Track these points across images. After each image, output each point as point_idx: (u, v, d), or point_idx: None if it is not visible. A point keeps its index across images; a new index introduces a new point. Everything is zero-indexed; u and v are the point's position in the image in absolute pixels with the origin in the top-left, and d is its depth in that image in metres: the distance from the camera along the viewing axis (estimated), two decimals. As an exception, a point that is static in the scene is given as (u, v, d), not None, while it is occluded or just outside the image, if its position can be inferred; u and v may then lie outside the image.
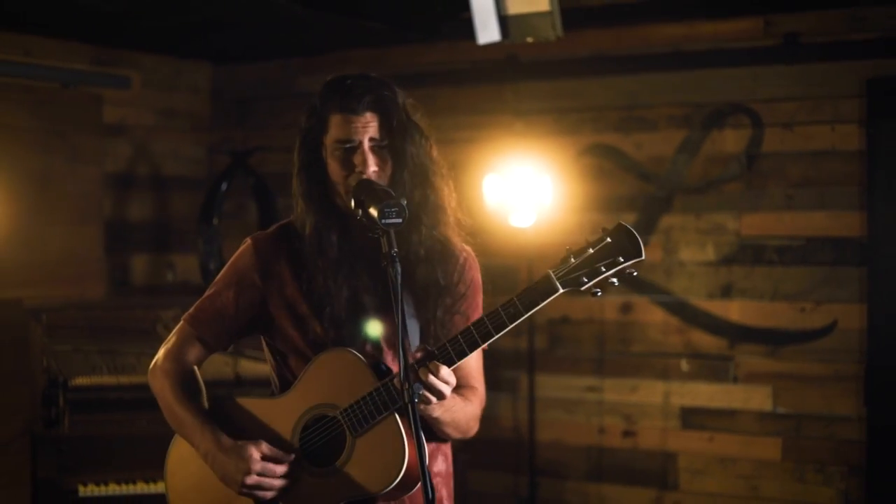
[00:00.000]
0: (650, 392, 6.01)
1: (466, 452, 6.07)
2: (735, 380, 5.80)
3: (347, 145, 2.86)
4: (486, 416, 6.19)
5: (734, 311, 5.82)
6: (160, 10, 5.73)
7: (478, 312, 3.04)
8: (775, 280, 5.71)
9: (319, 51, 6.85)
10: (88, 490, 5.28)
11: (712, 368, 5.86)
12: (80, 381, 5.53)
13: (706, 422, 5.88)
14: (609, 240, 2.74)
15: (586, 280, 2.74)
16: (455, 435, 3.00)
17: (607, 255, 2.73)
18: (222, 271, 3.08)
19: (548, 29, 4.92)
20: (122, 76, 6.84)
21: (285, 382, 3.01)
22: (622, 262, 2.72)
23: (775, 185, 5.71)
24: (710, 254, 5.86)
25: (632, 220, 5.99)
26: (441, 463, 3.03)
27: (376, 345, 2.93)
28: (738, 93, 5.79)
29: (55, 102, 6.49)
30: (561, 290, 2.76)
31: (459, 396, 2.94)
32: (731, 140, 5.81)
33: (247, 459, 2.84)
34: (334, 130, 2.88)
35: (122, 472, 5.32)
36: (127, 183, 6.97)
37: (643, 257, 2.74)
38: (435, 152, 3.00)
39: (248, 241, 3.06)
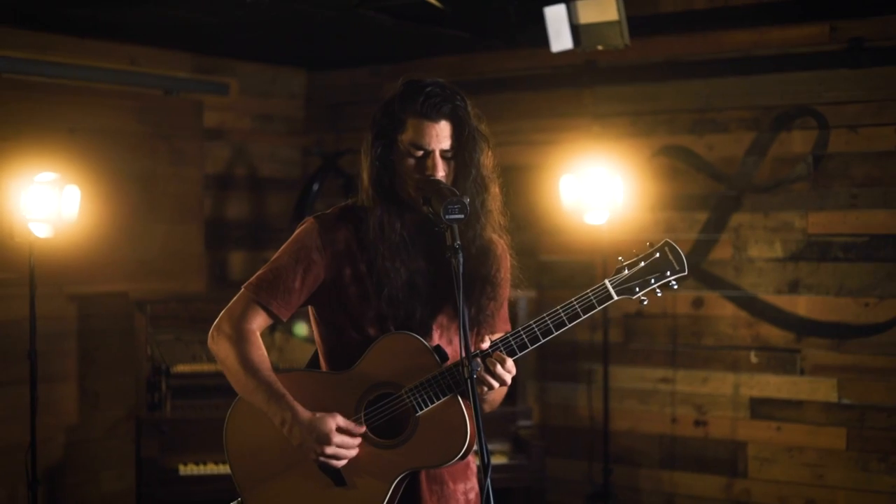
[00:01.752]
0: (721, 383, 6.22)
1: (544, 440, 6.33)
2: (802, 372, 5.98)
3: (421, 151, 3.11)
4: (564, 406, 6.47)
5: (801, 305, 6.00)
6: (257, 22, 6.06)
7: (505, 295, 3.34)
8: (840, 276, 5.88)
9: (407, 57, 7.13)
10: (188, 469, 5.60)
11: (780, 361, 6.05)
12: (181, 368, 5.87)
13: (774, 412, 6.07)
14: (658, 255, 3.10)
15: (638, 290, 3.11)
16: (486, 410, 3.24)
17: (656, 269, 3.11)
18: (284, 247, 3.23)
19: (617, 37, 5.19)
20: (221, 83, 7.16)
21: (336, 355, 3.24)
22: (668, 276, 3.12)
23: (840, 185, 5.88)
24: (777, 251, 6.05)
25: (703, 219, 6.23)
26: None
27: (426, 326, 3.19)
28: (804, 96, 5.96)
29: (158, 108, 6.80)
30: (616, 298, 3.11)
31: None
32: (798, 141, 5.99)
33: (326, 433, 3.05)
34: (411, 132, 3.11)
35: (219, 453, 5.56)
36: (226, 183, 7.30)
37: (686, 272, 3.09)
38: (492, 159, 3.24)
39: (311, 219, 3.25)
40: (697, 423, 6.29)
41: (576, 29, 5.30)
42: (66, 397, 6.36)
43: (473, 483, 3.36)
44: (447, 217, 2.96)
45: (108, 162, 6.49)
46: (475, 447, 3.11)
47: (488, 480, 2.89)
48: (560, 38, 5.32)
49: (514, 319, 6.14)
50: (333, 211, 3.29)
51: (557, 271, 6.61)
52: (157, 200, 6.81)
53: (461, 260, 2.95)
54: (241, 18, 5.91)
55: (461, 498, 3.28)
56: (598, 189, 5.98)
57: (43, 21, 6.04)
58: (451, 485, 3.27)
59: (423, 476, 3.21)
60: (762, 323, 6.10)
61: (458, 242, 2.96)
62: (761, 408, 6.11)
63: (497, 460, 5.93)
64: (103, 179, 6.39)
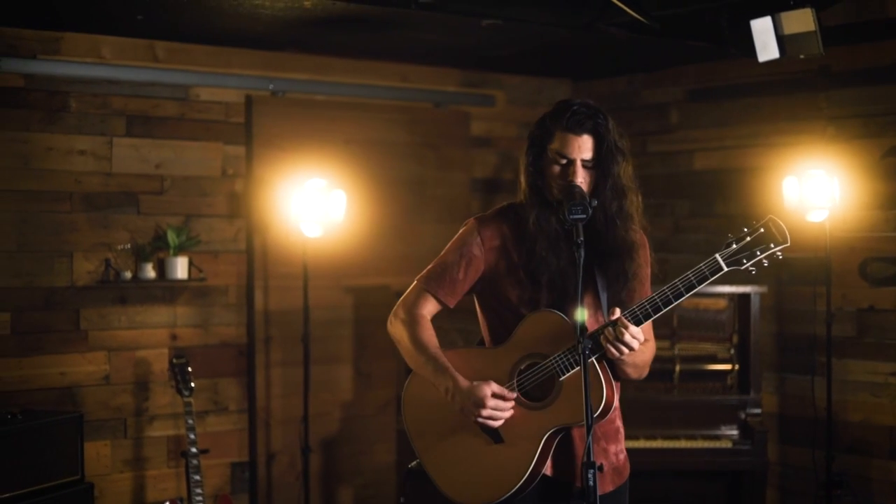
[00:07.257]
0: (948, 377, 6.35)
1: (782, 429, 6.58)
2: None
3: (564, 160, 3.62)
4: (800, 396, 6.70)
5: None
6: (509, 40, 6.67)
7: (646, 283, 3.78)
8: None
9: (659, 66, 7.61)
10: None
11: None
12: (439, 352, 6.53)
13: None
14: (762, 230, 3.45)
15: (745, 261, 3.45)
16: (633, 375, 3.71)
17: (761, 242, 3.44)
18: (449, 245, 3.74)
19: (814, 46, 5.49)
20: (487, 95, 7.79)
21: (497, 334, 3.74)
22: (772, 248, 3.44)
23: None
24: None
25: (929, 215, 6.41)
26: (617, 400, 3.75)
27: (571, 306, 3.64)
28: None
29: (428, 120, 7.51)
30: (725, 269, 3.47)
31: None
32: None
33: (482, 397, 3.57)
34: (557, 142, 3.61)
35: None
36: (493, 187, 7.91)
37: (789, 244, 3.43)
38: (631, 170, 3.70)
39: (472, 220, 3.75)
40: (925, 417, 6.44)
41: (781, 40, 5.62)
42: (342, 377, 7.19)
43: (622, 446, 3.84)
44: (571, 217, 3.48)
45: (379, 169, 7.27)
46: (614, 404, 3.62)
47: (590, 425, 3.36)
48: (767, 49, 5.66)
49: (746, 315, 6.52)
50: (492, 212, 3.82)
51: (794, 267, 6.86)
52: (425, 203, 7.51)
53: (582, 254, 3.44)
54: (491, 38, 6.48)
55: (612, 458, 3.76)
56: (820, 189, 6.22)
57: (322, 46, 6.87)
58: (602, 443, 3.74)
59: (575, 434, 3.68)
60: None
61: (581, 238, 3.45)
62: None
63: (722, 444, 6.32)
64: (375, 185, 7.19)
